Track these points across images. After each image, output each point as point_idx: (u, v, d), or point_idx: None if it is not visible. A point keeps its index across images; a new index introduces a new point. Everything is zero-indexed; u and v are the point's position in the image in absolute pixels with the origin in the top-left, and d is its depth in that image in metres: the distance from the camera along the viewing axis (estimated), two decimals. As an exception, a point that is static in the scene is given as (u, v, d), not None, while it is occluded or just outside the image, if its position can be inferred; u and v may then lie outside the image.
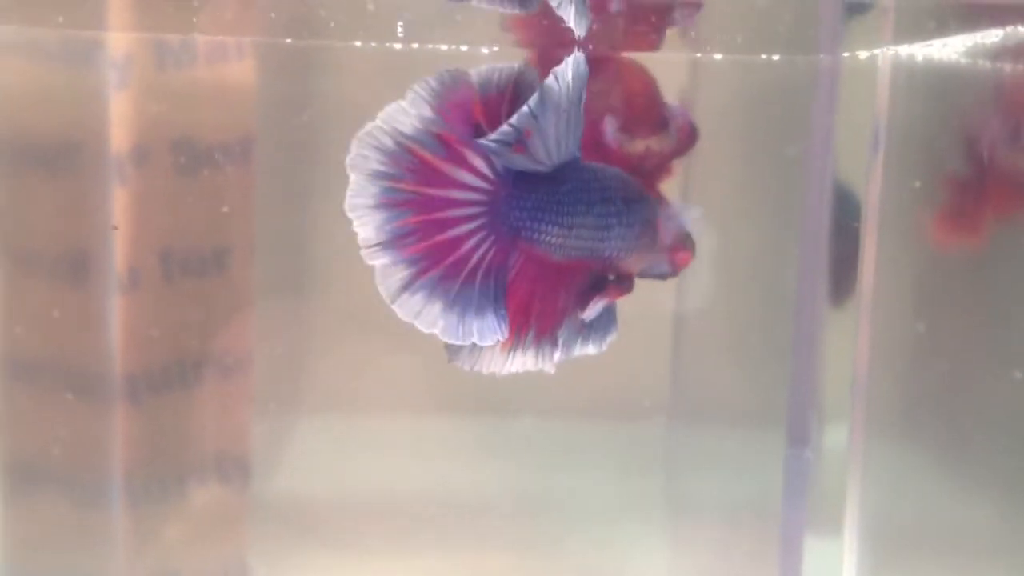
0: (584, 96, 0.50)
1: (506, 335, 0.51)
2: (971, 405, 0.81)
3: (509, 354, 0.53)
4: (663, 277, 0.59)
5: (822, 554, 0.87)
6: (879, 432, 0.86)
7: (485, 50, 0.78)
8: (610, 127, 0.72)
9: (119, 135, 0.78)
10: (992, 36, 0.73)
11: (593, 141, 0.70)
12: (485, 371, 0.53)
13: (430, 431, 0.92)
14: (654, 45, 0.81)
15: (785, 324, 0.88)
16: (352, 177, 0.49)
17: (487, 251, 0.51)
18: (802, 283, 0.88)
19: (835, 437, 0.88)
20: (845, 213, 0.86)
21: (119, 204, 0.78)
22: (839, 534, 0.87)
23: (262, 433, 0.88)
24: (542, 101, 0.49)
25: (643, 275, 0.58)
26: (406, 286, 0.50)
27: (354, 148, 0.49)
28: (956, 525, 0.81)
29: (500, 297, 0.51)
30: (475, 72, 0.50)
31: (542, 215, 0.52)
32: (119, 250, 0.78)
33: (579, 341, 0.55)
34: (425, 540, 0.90)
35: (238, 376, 0.82)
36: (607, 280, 0.56)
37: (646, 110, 0.74)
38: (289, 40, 0.82)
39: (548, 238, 0.52)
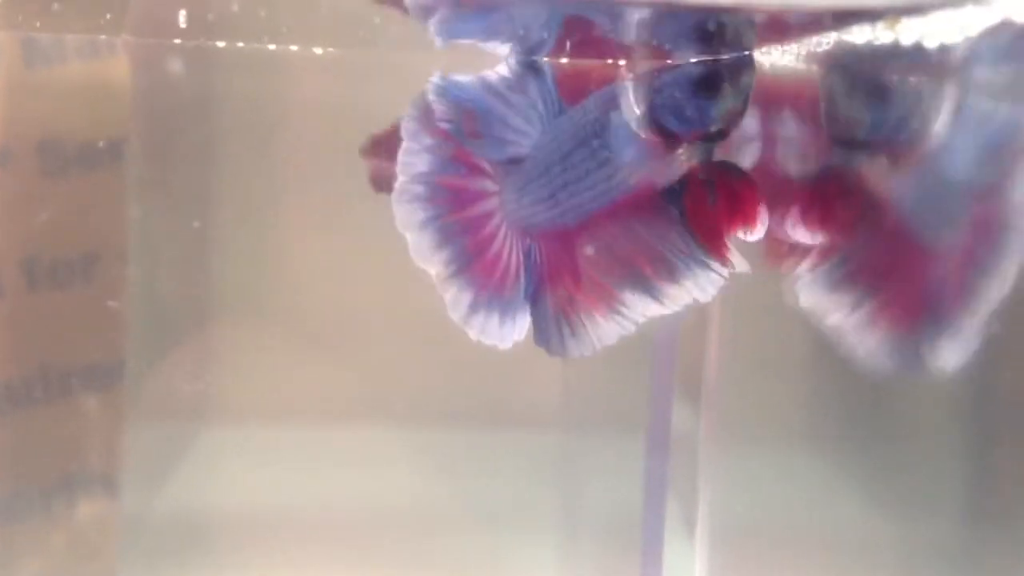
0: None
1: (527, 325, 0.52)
2: (818, 410, 0.86)
3: (611, 318, 0.53)
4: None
5: (678, 554, 0.91)
6: (730, 436, 0.90)
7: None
8: None
9: (-18, 135, 0.73)
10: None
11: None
12: (598, 346, 0.53)
13: (326, 441, 0.90)
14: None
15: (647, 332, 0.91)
16: (408, 236, 0.51)
17: (511, 249, 0.52)
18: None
19: (692, 442, 0.91)
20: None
21: (-19, 208, 0.73)
22: (692, 535, 0.91)
23: (160, 445, 0.85)
24: (474, 92, 0.51)
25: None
26: (472, 307, 0.52)
27: (396, 211, 0.51)
28: (805, 524, 0.86)
29: (529, 286, 0.53)
30: (431, 86, 0.52)
31: (530, 192, 0.52)
32: (-22, 256, 0.74)
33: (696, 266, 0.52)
34: (317, 553, 0.89)
35: (107, 388, 0.78)
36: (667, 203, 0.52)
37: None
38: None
39: (547, 213, 0.52)
